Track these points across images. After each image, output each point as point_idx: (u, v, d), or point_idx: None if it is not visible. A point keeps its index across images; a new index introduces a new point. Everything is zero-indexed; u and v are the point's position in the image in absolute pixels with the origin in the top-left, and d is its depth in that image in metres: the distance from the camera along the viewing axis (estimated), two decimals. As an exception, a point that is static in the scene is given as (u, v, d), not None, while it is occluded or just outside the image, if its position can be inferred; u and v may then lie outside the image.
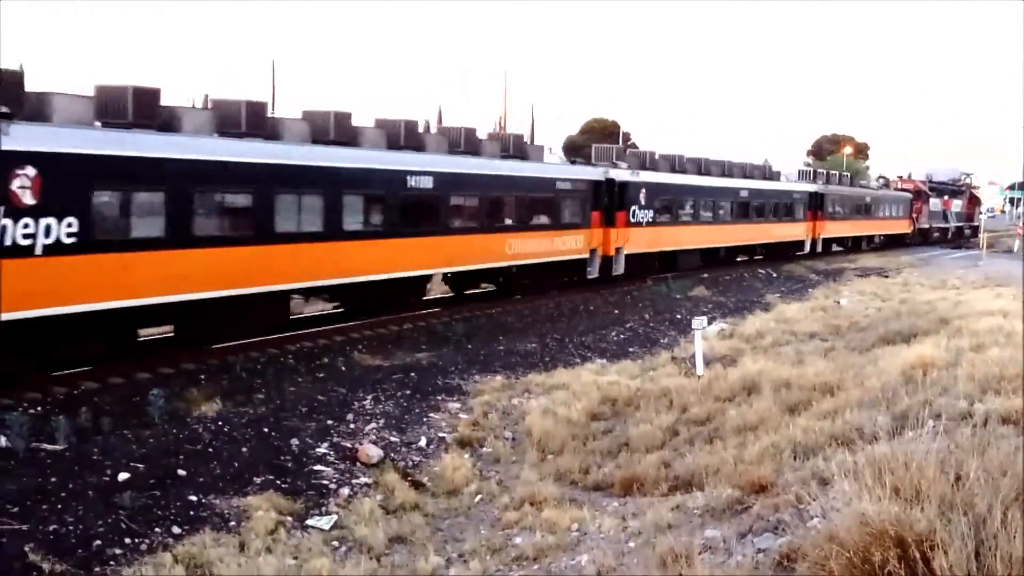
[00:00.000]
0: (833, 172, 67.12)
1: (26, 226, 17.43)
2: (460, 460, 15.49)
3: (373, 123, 27.99)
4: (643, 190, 39.44)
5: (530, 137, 43.43)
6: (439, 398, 19.33)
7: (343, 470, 15.05)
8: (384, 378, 20.55)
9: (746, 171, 52.05)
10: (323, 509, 13.48)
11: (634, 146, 63.85)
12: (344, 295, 26.88)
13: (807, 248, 56.54)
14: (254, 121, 23.08)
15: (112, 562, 11.27)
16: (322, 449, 15.73)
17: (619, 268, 37.95)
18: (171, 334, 22.03)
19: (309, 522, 12.96)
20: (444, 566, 10.99)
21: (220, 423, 16.35)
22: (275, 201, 22.78)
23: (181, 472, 14.12)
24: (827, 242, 59.26)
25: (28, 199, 17.50)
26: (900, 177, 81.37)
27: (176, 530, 12.26)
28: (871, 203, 66.57)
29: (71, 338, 18.77)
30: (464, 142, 31.03)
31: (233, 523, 12.62)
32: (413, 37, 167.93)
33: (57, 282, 18.01)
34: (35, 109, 18.43)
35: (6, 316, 17.19)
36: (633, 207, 38.73)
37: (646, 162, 41.71)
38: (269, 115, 25.05)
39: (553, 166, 37.44)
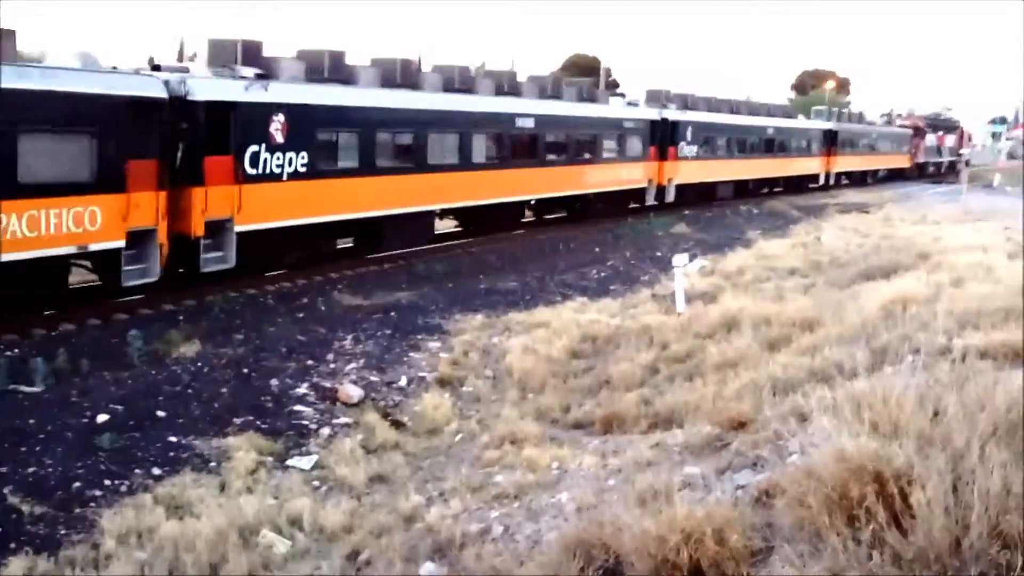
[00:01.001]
0: (844, 110, 71.40)
1: (278, 159, 23.15)
2: (440, 399, 15.48)
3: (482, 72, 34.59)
4: (689, 128, 44.39)
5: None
6: (419, 337, 19.30)
7: (323, 410, 15.05)
8: (364, 318, 20.50)
9: (769, 110, 57.40)
10: (303, 449, 13.49)
11: (615, 83, 63.64)
12: (468, 216, 33.00)
13: (821, 181, 61.24)
14: (406, 76, 29.28)
15: (92, 503, 11.26)
16: (302, 389, 15.71)
17: (670, 196, 43.17)
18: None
19: (289, 462, 12.97)
20: (425, 505, 10.99)
21: (199, 364, 16.30)
22: (428, 139, 28.68)
23: (161, 413, 14.10)
24: (839, 176, 64.16)
25: (279, 139, 23.17)
26: (900, 115, 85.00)
27: (156, 471, 12.26)
28: (877, 139, 71.61)
29: (292, 244, 24.44)
30: (551, 88, 36.99)
31: (213, 464, 12.62)
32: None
33: (295, 200, 23.74)
34: (268, 70, 24.01)
35: (274, 224, 23.21)
36: (682, 143, 43.69)
37: (688, 103, 46.36)
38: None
39: (619, 107, 41.79)
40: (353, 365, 17.14)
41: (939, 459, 6.07)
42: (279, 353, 17.34)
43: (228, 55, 23.55)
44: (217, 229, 21.70)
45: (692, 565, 6.33)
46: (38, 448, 12.55)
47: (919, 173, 79.59)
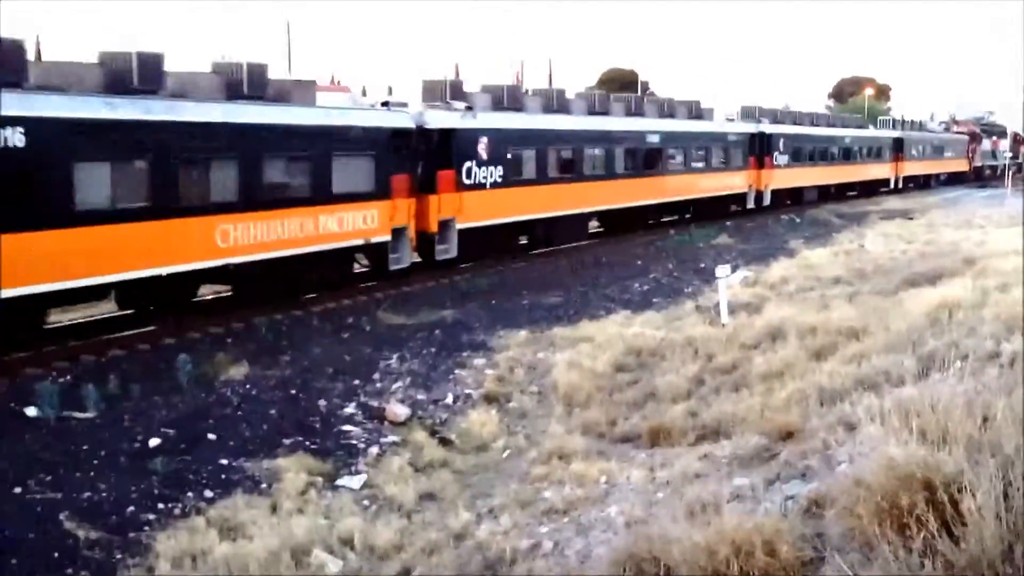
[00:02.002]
0: (909, 120, 77.08)
1: (483, 171, 29.25)
2: (487, 416, 15.53)
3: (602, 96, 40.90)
4: (781, 140, 50.22)
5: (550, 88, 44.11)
6: (464, 354, 19.36)
7: (371, 429, 15.14)
8: (409, 336, 20.61)
9: (844, 122, 64.36)
10: (353, 469, 13.57)
11: (653, 95, 63.74)
12: (610, 218, 38.56)
13: (892, 185, 66.73)
14: (561, 103, 35.54)
15: (146, 527, 11.38)
16: (350, 409, 15.81)
17: (767, 200, 48.87)
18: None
19: (339, 482, 13.05)
20: (474, 521, 11.04)
21: (248, 386, 16.46)
22: (584, 155, 34.85)
23: (211, 436, 14.23)
24: (907, 180, 69.13)
25: (484, 156, 29.24)
26: (956, 121, 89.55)
27: (208, 494, 12.37)
28: (938, 145, 77.20)
29: (492, 240, 30.24)
30: (667, 108, 42.82)
31: (264, 485, 12.72)
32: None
33: (495, 204, 29.73)
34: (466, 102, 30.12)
35: (482, 223, 29.20)
36: (775, 153, 49.48)
37: (777, 117, 52.84)
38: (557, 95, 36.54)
39: (724, 123, 48.03)
40: (399, 384, 17.23)
41: (989, 465, 6.04)
42: (326, 374, 17.47)
43: (437, 92, 29.89)
44: (445, 227, 27.98)
45: (743, 576, 6.34)
46: (92, 473, 12.72)
47: (976, 176, 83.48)
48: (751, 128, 48.17)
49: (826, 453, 8.49)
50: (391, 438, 14.83)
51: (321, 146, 23.65)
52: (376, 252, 25.95)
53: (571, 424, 14.77)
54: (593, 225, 38.22)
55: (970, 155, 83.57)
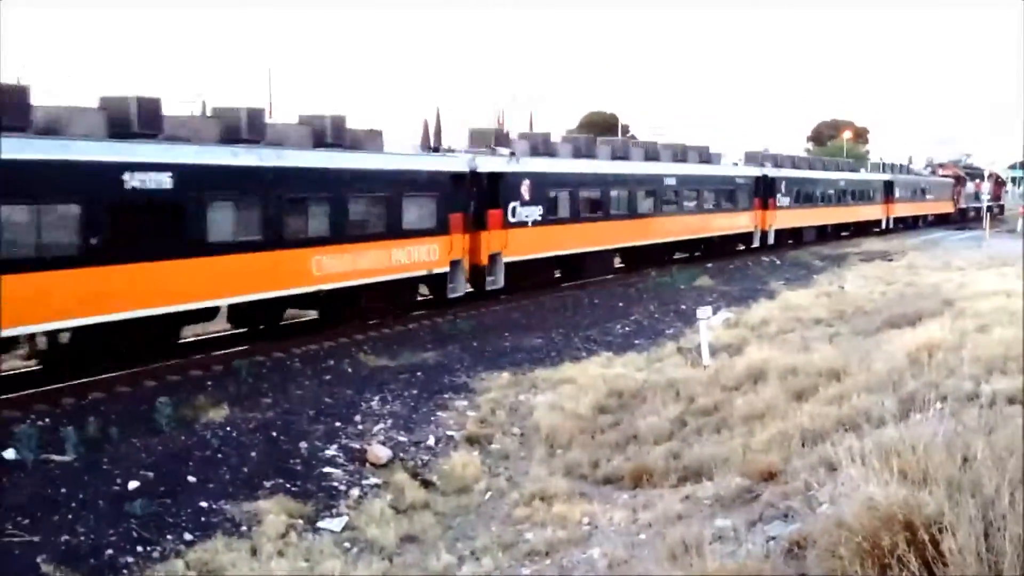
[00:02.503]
0: (898, 163, 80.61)
1: (526, 211, 32.22)
2: (469, 458, 15.50)
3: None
4: (784, 182, 52.99)
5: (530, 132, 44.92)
6: (446, 396, 19.34)
7: (352, 471, 15.08)
8: (391, 378, 20.57)
9: (838, 165, 67.75)
10: (334, 511, 13.52)
11: (634, 138, 64.33)
12: (632, 255, 41.47)
13: (883, 225, 69.20)
14: (589, 149, 38.78)
15: (125, 570, 11.32)
16: (331, 451, 15.75)
17: (771, 239, 51.58)
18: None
19: (320, 524, 13.00)
20: (456, 564, 11.00)
21: (228, 428, 16.37)
22: (609, 196, 37.91)
23: (191, 479, 14.16)
24: (896, 220, 71.44)
25: (527, 196, 32.15)
26: (941, 164, 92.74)
27: (188, 536, 12.30)
28: (926, 188, 79.81)
29: (531, 273, 33.05)
30: (680, 153, 45.93)
31: (244, 528, 12.66)
32: (403, 39, 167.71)
33: (536, 240, 32.90)
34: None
35: (525, 257, 32.21)
36: (779, 195, 52.20)
37: (778, 161, 56.12)
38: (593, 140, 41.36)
39: (731, 167, 51.95)
40: (381, 426, 17.18)
41: (969, 506, 6.08)
42: (307, 416, 17.40)
43: (484, 140, 33.52)
44: (493, 260, 30.69)
45: (725, 618, 6.33)
46: (70, 516, 12.62)
47: (961, 217, 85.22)
48: (756, 172, 51.27)
49: (808, 494, 8.51)
50: (372, 480, 14.78)
51: (394, 188, 26.86)
52: (437, 282, 29.04)
53: (553, 466, 14.76)
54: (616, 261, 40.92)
55: (955, 197, 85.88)
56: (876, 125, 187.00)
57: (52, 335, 19.45)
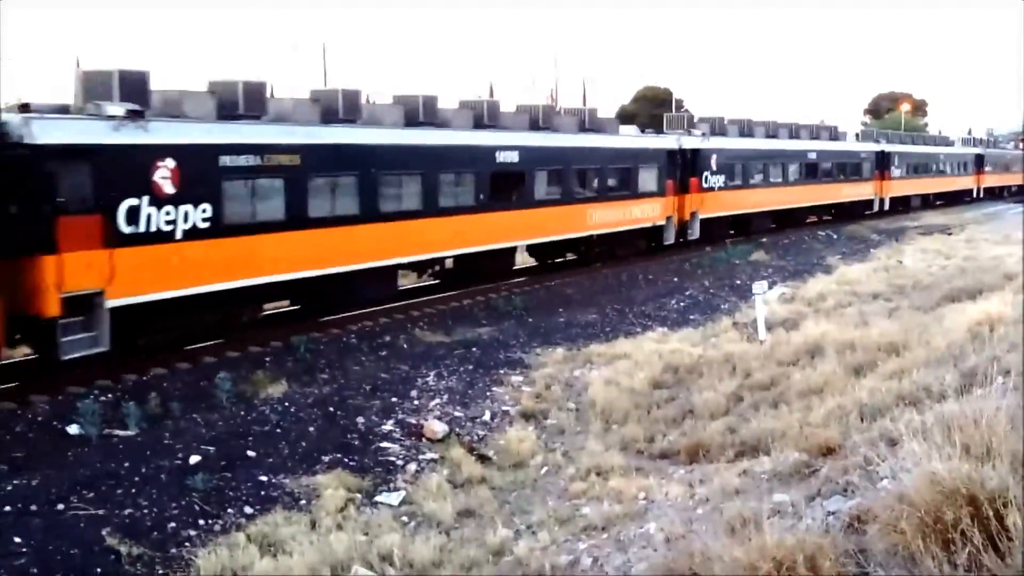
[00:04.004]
0: (988, 137, 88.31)
1: (716, 179, 40.74)
2: (525, 433, 15.55)
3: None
4: (897, 156, 60.50)
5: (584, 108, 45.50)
6: (501, 372, 19.40)
7: (409, 446, 15.19)
8: (446, 354, 20.66)
9: (936, 140, 75.20)
10: (391, 485, 13.62)
11: (687, 112, 64.02)
12: (779, 217, 47.25)
13: (974, 195, 75.60)
14: (750, 127, 46.30)
15: (187, 543, 11.49)
16: (388, 426, 15.87)
17: (886, 205, 59.00)
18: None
19: (378, 499, 13.11)
20: (512, 538, 11.04)
21: (286, 404, 16.55)
22: (769, 166, 45.99)
23: (251, 453, 14.34)
24: (986, 191, 77.85)
25: (714, 167, 40.61)
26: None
27: (248, 510, 12.47)
28: (1010, 161, 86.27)
29: (723, 228, 42.59)
30: (815, 132, 53.71)
31: (303, 502, 12.80)
32: (455, 14, 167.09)
33: (723, 203, 41.36)
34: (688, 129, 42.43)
35: (714, 215, 40.61)
36: (893, 167, 59.61)
37: (889, 138, 63.45)
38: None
39: (857, 143, 59.26)
40: (437, 401, 17.27)
41: (1034, 480, 5.99)
42: (364, 391, 17.54)
43: (681, 122, 42.94)
44: (692, 217, 39.11)
45: (785, 593, 6.31)
46: (133, 490, 12.84)
47: None
48: (875, 147, 58.58)
49: (868, 469, 8.41)
50: (429, 455, 14.87)
51: (633, 161, 35.90)
52: (656, 233, 37.48)
53: (609, 441, 14.76)
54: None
55: None
56: (933, 97, 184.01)
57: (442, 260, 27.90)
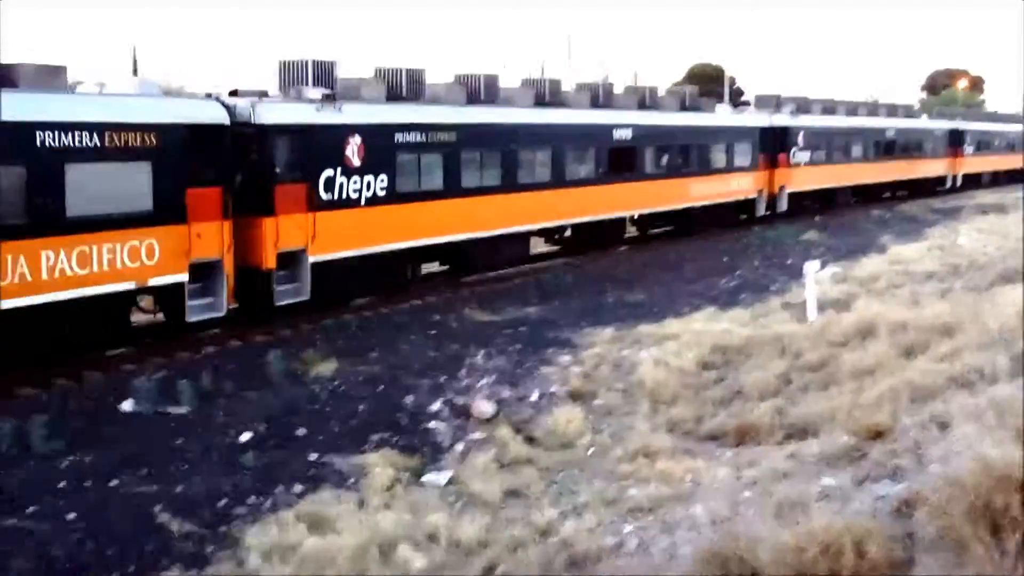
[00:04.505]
0: None
1: (804, 154, 44.09)
2: (572, 413, 15.48)
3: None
4: (969, 135, 63.79)
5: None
6: (550, 352, 19.36)
7: (457, 426, 15.21)
8: (495, 333, 20.68)
9: (1004, 118, 77.11)
10: (439, 465, 13.66)
11: (740, 91, 63.99)
12: (858, 191, 50.98)
13: None
14: (829, 106, 50.25)
15: (237, 521, 11.60)
16: (436, 406, 15.91)
17: (959, 182, 62.36)
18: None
19: (425, 478, 13.15)
20: (559, 519, 11.05)
21: (336, 382, 16.67)
22: (850, 143, 49.28)
23: (300, 431, 14.46)
24: None
25: (800, 144, 43.89)
26: None
27: (298, 488, 12.55)
28: None
29: (805, 201, 45.34)
30: (891, 111, 57.17)
31: (352, 480, 12.86)
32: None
33: (809, 177, 44.81)
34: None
35: (801, 188, 44.00)
36: (966, 145, 63.16)
37: (964, 116, 68.01)
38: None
39: (933, 121, 62.46)
40: (485, 381, 17.29)
41: (1087, 466, 5.90)
42: (413, 370, 17.62)
43: (770, 101, 45.53)
44: (780, 191, 42.48)
45: (831, 577, 6.27)
46: (185, 467, 13.02)
47: None
48: (950, 125, 62.03)
49: (917, 453, 8.34)
50: (477, 435, 14.88)
51: (730, 137, 39.48)
52: (749, 205, 41.11)
53: (657, 422, 14.69)
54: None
55: None
56: (991, 74, 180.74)
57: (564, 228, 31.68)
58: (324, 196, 21.59)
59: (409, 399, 16.04)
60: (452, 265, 27.32)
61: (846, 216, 45.16)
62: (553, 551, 9.70)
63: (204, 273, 19.19)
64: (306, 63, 22.47)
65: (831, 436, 10.95)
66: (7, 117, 16.06)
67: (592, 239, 32.29)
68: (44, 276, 16.53)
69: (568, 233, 32.23)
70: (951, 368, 11.76)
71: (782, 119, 43.01)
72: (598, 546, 9.37)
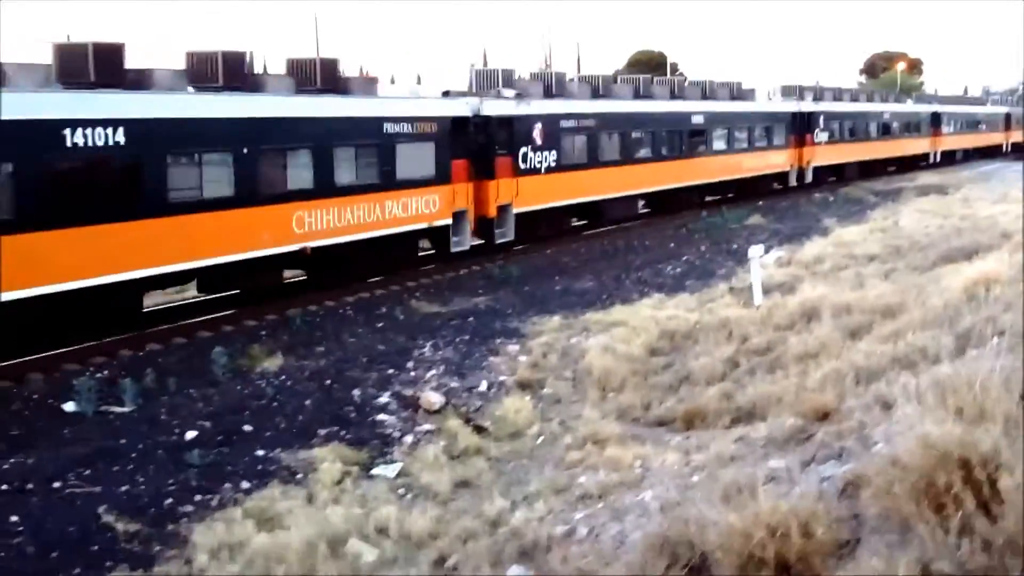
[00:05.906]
0: (1011, 96, 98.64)
1: (822, 135, 51.94)
2: (521, 402, 15.49)
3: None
4: (945, 116, 70.97)
5: (577, 73, 46.66)
6: (498, 342, 19.34)
7: (406, 418, 15.16)
8: (442, 324, 20.63)
9: (975, 101, 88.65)
10: (388, 457, 13.60)
11: (683, 76, 63.90)
12: (865, 167, 57.83)
13: (1004, 150, 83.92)
14: (854, 95, 61.14)
15: (184, 519, 11.46)
16: (384, 398, 15.84)
17: (938, 158, 68.85)
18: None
19: (374, 471, 13.09)
20: (509, 508, 11.03)
21: (283, 377, 16.54)
22: (869, 126, 58.60)
23: (247, 428, 14.34)
24: (1015, 147, 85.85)
25: (822, 125, 51.90)
26: None
27: (245, 485, 12.44)
28: None
29: (828, 175, 53.45)
30: (885, 97, 66.35)
31: (300, 476, 12.78)
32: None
33: (826, 155, 52.70)
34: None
35: (828, 163, 53.02)
36: (944, 126, 70.36)
37: (942, 101, 76.16)
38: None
39: (918, 105, 70.09)
40: (433, 372, 17.24)
41: (1027, 443, 5.95)
42: (360, 363, 17.52)
43: (792, 91, 52.27)
44: (807, 166, 50.13)
45: (778, 560, 6.28)
46: (130, 466, 12.85)
47: None
48: (931, 108, 69.47)
49: (862, 433, 8.38)
50: (426, 426, 14.84)
51: (769, 121, 46.97)
52: (782, 177, 48.55)
53: (605, 409, 14.71)
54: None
55: None
56: (928, 56, 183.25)
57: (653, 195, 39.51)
58: (522, 166, 30.16)
59: (357, 392, 15.97)
60: (589, 219, 35.94)
61: (790, 200, 45.60)
62: (504, 541, 9.67)
63: (456, 219, 27.52)
64: (497, 71, 33.16)
65: (778, 419, 10.99)
66: (369, 114, 25.19)
67: (672, 204, 39.91)
68: (386, 217, 25.21)
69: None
70: (894, 349, 11.83)
71: (808, 105, 50.71)
72: (548, 535, 9.34)
